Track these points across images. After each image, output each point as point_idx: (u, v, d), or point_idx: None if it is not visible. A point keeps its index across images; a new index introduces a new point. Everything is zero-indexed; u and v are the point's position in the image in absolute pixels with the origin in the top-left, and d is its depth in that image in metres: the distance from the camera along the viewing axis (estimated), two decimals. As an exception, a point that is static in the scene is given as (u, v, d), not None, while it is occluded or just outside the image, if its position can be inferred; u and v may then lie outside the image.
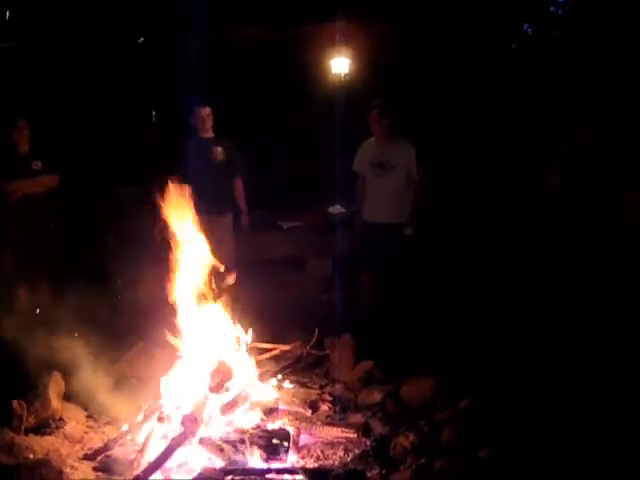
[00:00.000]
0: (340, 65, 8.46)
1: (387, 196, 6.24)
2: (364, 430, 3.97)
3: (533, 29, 10.24)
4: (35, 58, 7.13)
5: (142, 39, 7.02)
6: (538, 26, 10.00)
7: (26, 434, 3.85)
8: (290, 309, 6.21)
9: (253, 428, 3.66)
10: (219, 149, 6.50)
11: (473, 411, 3.95)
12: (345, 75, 8.47)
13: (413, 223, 6.15)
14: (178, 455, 3.47)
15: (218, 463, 3.45)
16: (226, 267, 4.34)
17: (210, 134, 6.54)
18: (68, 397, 4.37)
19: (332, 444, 3.86)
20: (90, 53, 7.12)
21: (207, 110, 6.46)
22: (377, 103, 6.30)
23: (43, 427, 4.02)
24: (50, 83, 7.04)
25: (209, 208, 5.74)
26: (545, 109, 7.51)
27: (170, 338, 4.11)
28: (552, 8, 10.34)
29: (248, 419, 3.78)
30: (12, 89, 6.83)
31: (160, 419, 3.67)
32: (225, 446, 3.51)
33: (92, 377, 4.53)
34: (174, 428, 3.63)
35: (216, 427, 3.66)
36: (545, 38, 9.68)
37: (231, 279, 4.36)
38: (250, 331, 4.38)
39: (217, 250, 5.43)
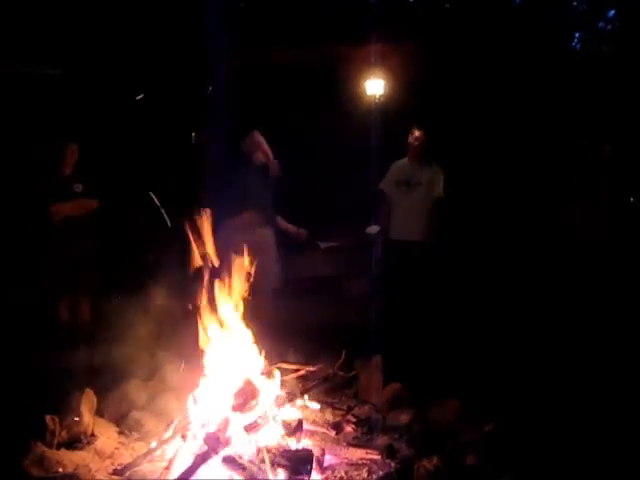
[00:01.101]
0: (375, 86, 8.52)
1: (411, 214, 6.32)
2: (389, 452, 3.97)
3: (581, 45, 10.16)
4: (81, 85, 7.34)
5: (183, 66, 7.15)
6: (586, 42, 9.92)
7: (58, 448, 3.95)
8: (325, 329, 6.25)
9: (276, 447, 3.69)
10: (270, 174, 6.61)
11: (497, 435, 3.93)
12: (380, 96, 8.52)
13: (425, 243, 6.20)
14: (201, 473, 3.52)
15: (240, 481, 3.50)
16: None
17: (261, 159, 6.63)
18: (101, 413, 4.49)
19: (356, 465, 3.87)
20: (133, 79, 7.31)
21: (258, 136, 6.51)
22: (419, 124, 6.42)
23: (75, 442, 4.11)
24: (95, 108, 7.24)
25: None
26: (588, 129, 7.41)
27: (200, 354, 4.19)
28: (600, 24, 10.25)
29: (272, 438, 3.80)
30: (60, 113, 7.04)
31: (183, 437, 3.73)
32: (248, 465, 3.55)
33: (125, 393, 4.67)
34: (199, 446, 3.70)
35: (239, 446, 3.70)
36: (593, 54, 9.59)
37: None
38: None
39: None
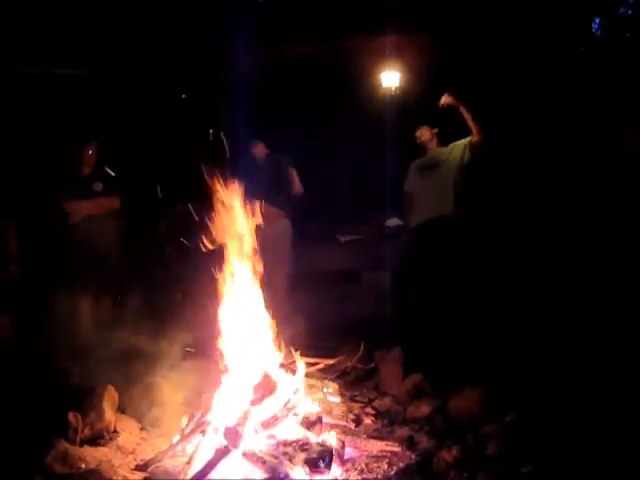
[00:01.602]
0: (391, 78, 8.48)
1: (431, 194, 6.30)
2: (409, 444, 3.97)
3: (602, 31, 10.04)
4: (100, 84, 7.39)
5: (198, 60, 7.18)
6: (606, 28, 9.80)
7: (81, 445, 3.99)
8: (345, 322, 6.25)
9: (296, 441, 3.70)
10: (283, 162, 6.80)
11: (519, 425, 3.90)
12: (396, 88, 8.48)
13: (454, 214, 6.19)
14: (221, 467, 3.54)
15: (260, 475, 3.50)
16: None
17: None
18: (122, 409, 4.53)
19: (377, 457, 3.86)
20: (150, 77, 7.34)
21: (261, 146, 6.80)
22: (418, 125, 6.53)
23: (97, 438, 4.16)
24: (113, 107, 7.28)
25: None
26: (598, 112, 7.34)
27: (220, 350, 4.21)
28: (621, 9, 10.11)
29: (291, 432, 3.81)
30: (80, 113, 7.09)
31: (203, 432, 3.76)
32: (267, 459, 3.56)
33: (146, 390, 4.70)
34: (220, 440, 3.72)
35: (259, 440, 3.71)
36: (614, 40, 9.47)
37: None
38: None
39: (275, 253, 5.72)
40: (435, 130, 6.48)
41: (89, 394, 4.34)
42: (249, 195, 5.99)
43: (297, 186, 6.96)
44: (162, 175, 6.91)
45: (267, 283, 4.30)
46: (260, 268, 4.26)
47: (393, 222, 8.24)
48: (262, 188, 6.46)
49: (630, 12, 10.09)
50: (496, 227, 6.68)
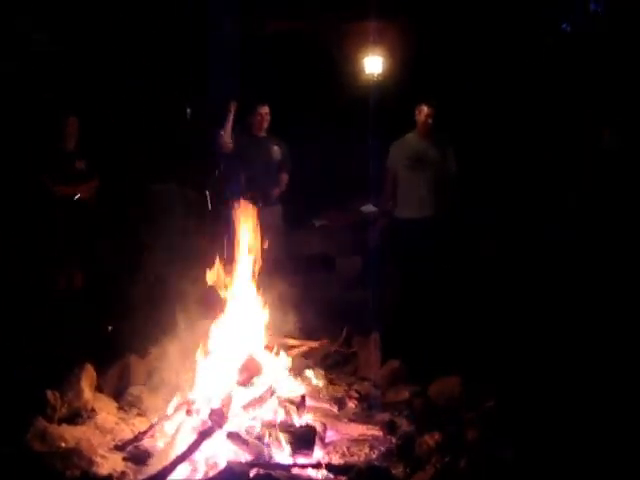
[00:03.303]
0: (373, 64, 8.47)
1: (427, 191, 6.34)
2: (390, 428, 3.99)
3: (572, 27, 10.12)
4: (81, 60, 7.26)
5: (176, 38, 7.08)
6: (576, 24, 9.88)
7: (59, 424, 3.93)
8: (320, 307, 6.24)
9: (280, 423, 3.69)
10: (276, 148, 6.67)
11: (499, 411, 3.94)
12: (378, 74, 8.47)
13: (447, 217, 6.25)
14: (205, 448, 3.53)
15: (244, 457, 3.50)
16: None
17: (264, 133, 6.66)
18: (100, 388, 4.47)
19: (358, 441, 3.88)
20: (127, 53, 7.23)
21: (266, 109, 6.57)
22: (426, 99, 6.48)
23: (75, 417, 4.09)
24: (93, 84, 7.15)
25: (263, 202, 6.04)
26: (576, 108, 7.42)
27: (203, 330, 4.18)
28: (592, 6, 10.20)
29: (275, 414, 3.81)
30: (61, 89, 6.95)
31: (188, 412, 3.73)
32: (251, 440, 3.56)
33: (124, 368, 4.65)
34: (202, 421, 3.70)
35: (243, 421, 3.70)
36: (583, 36, 9.56)
37: None
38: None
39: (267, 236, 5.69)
40: (432, 117, 6.46)
41: (67, 372, 4.28)
42: (244, 177, 6.05)
43: (283, 184, 6.85)
44: (143, 153, 6.79)
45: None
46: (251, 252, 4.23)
47: (368, 208, 8.28)
48: (259, 169, 6.48)
49: (599, 10, 10.20)
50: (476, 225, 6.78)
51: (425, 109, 6.50)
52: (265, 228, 4.62)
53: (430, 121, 6.49)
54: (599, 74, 7.67)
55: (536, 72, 7.96)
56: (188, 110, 7.51)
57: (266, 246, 4.35)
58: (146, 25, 7.19)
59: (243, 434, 3.59)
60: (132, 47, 7.26)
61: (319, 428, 3.78)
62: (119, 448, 3.79)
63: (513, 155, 7.39)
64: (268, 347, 4.15)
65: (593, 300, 5.43)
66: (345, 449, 3.80)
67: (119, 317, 5.34)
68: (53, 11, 6.75)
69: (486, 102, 7.75)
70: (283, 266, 6.59)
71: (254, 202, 4.40)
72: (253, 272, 4.24)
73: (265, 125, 6.61)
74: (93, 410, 4.22)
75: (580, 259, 5.94)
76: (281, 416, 3.80)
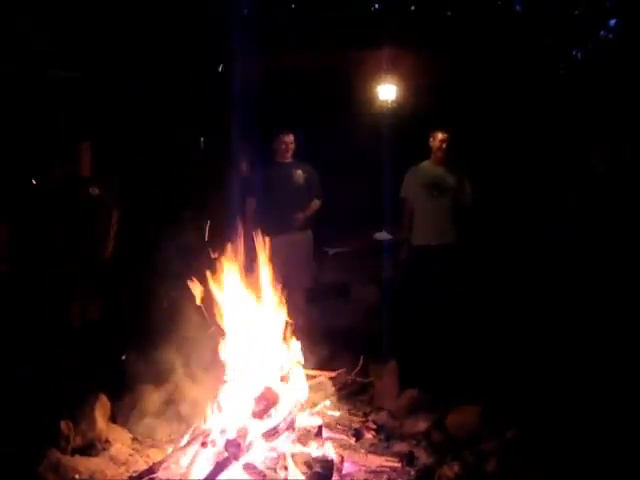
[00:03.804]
0: (387, 91, 8.48)
1: (443, 218, 6.35)
2: (408, 459, 3.92)
3: (582, 53, 10.13)
4: (95, 88, 7.30)
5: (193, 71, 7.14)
6: (587, 51, 9.89)
7: (72, 454, 3.89)
8: (336, 335, 6.19)
9: (296, 454, 3.63)
10: (299, 172, 6.80)
11: (519, 442, 3.87)
12: (392, 101, 8.49)
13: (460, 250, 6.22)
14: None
15: (260, 489, 3.44)
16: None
17: (289, 159, 6.79)
18: (113, 419, 4.42)
19: (376, 473, 3.82)
20: (145, 82, 7.27)
21: (291, 137, 6.75)
22: (440, 125, 6.55)
23: (89, 448, 4.05)
24: (107, 111, 7.19)
25: (288, 227, 6.47)
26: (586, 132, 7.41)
27: (219, 359, 4.13)
28: (602, 33, 10.21)
29: (291, 445, 3.75)
30: (75, 116, 6.99)
31: (204, 444, 3.67)
32: (267, 472, 3.49)
33: (138, 399, 4.60)
34: (218, 453, 3.64)
35: (259, 452, 3.64)
36: (594, 62, 9.57)
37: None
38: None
39: (295, 266, 5.92)
40: (448, 144, 6.48)
41: (81, 402, 4.24)
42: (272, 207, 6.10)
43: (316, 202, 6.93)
44: (157, 182, 6.81)
45: (286, 296, 4.24)
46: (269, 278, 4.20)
47: (382, 235, 8.25)
48: (288, 197, 6.60)
49: (611, 36, 10.20)
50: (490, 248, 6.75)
51: (439, 135, 6.53)
52: (294, 255, 4.66)
53: (444, 147, 6.52)
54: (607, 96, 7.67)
55: (547, 97, 7.96)
56: (202, 140, 7.54)
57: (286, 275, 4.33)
58: (167, 56, 7.24)
59: (259, 465, 3.53)
60: (153, 77, 7.32)
61: (336, 459, 3.71)
62: (133, 480, 3.74)
63: (521, 169, 7.38)
64: (284, 377, 4.09)
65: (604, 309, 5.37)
66: (363, 481, 3.73)
67: (133, 346, 5.28)
68: (53, 11, 6.76)
69: (496, 121, 7.74)
70: (310, 295, 6.64)
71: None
72: (271, 301, 4.20)
73: (289, 153, 6.77)
74: (107, 441, 4.18)
75: (580, 259, 5.90)
76: (298, 447, 3.74)
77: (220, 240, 4.28)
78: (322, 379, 4.75)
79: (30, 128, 6.47)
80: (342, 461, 3.79)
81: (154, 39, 7.06)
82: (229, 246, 4.19)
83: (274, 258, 4.29)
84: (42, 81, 6.87)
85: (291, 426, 3.81)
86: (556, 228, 6.43)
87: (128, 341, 5.41)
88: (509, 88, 8.22)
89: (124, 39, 6.93)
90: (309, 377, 4.66)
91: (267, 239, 4.21)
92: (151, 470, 3.76)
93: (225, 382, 4.02)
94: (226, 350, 4.05)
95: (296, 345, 4.30)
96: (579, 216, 6.33)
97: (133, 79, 7.03)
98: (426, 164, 6.67)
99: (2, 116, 6.38)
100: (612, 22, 10.18)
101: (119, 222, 6.42)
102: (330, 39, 7.63)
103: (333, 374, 4.88)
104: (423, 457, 3.99)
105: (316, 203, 6.87)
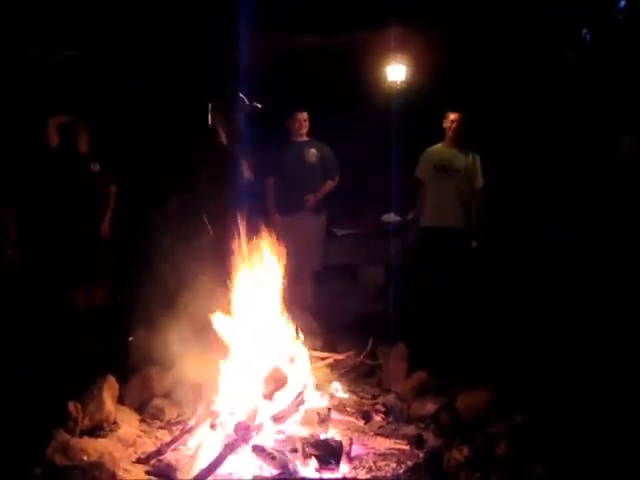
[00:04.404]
0: (396, 72, 8.41)
1: (449, 200, 6.30)
2: (417, 442, 3.91)
3: (592, 36, 10.00)
4: (94, 66, 7.26)
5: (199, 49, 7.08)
6: (597, 33, 9.76)
7: (80, 436, 3.88)
8: (343, 317, 6.18)
9: (305, 437, 3.62)
10: (312, 151, 6.81)
11: (530, 425, 3.85)
12: (401, 82, 8.41)
13: (481, 235, 6.18)
14: (230, 462, 3.46)
15: (269, 471, 3.43)
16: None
17: (304, 137, 6.83)
18: (121, 400, 4.42)
19: (384, 455, 3.79)
20: (148, 59, 7.22)
21: (304, 115, 6.80)
22: (453, 106, 6.50)
23: (97, 430, 4.03)
24: (109, 88, 7.15)
25: (300, 207, 6.51)
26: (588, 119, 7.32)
27: (225, 342, 4.12)
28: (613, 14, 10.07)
29: (301, 428, 3.74)
30: (74, 94, 6.96)
31: (212, 426, 3.66)
32: (277, 454, 3.48)
33: (146, 381, 4.60)
34: (227, 435, 3.63)
35: (268, 435, 3.64)
36: (604, 45, 9.44)
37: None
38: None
39: (306, 247, 6.01)
40: (463, 126, 6.42)
41: (89, 384, 4.23)
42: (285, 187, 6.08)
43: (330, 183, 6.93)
44: (158, 161, 6.77)
45: (295, 276, 4.22)
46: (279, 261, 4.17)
47: (390, 217, 8.22)
48: (300, 177, 6.64)
49: (621, 17, 10.06)
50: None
51: (450, 116, 6.47)
52: (304, 238, 4.59)
53: (455, 128, 6.44)
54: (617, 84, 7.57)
55: (557, 82, 7.86)
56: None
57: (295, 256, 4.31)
58: (171, 35, 7.18)
59: (268, 448, 3.52)
60: (156, 54, 7.27)
61: (345, 442, 3.69)
62: (142, 461, 3.72)
63: (530, 159, 7.29)
64: (292, 359, 4.07)
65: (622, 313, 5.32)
66: (372, 464, 3.71)
67: (141, 328, 5.28)
68: (53, 11, 6.72)
69: (506, 107, 7.66)
70: (318, 277, 6.63)
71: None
72: (279, 283, 4.18)
73: (303, 131, 6.81)
74: (115, 422, 4.16)
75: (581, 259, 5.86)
76: (307, 429, 3.73)
77: (220, 222, 4.25)
78: (330, 361, 4.75)
79: (30, 126, 6.44)
80: (351, 444, 3.77)
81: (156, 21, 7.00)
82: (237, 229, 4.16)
83: (284, 239, 4.26)
84: (42, 81, 6.85)
85: (300, 408, 3.80)
86: (556, 227, 6.36)
87: (135, 323, 5.41)
88: (516, 76, 8.11)
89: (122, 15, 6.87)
90: (317, 359, 4.67)
91: (279, 219, 4.20)
92: (159, 451, 3.77)
93: (233, 364, 4.00)
94: (234, 332, 4.03)
95: (304, 327, 4.28)
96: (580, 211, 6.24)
97: (134, 76, 6.99)
98: (439, 146, 6.61)
99: (2, 116, 6.36)
100: (622, 3, 10.06)
101: (117, 198, 6.41)
102: (337, 17, 7.53)
103: (342, 356, 4.88)
104: (431, 440, 3.98)
105: (329, 184, 6.84)
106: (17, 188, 6.06)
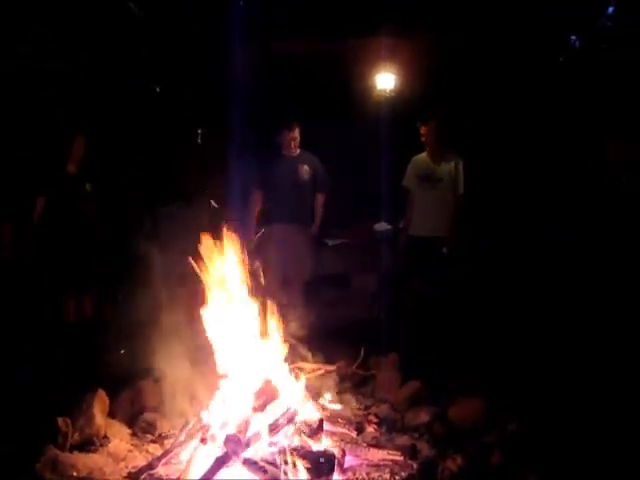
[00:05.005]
0: (385, 81, 8.41)
1: (431, 210, 6.29)
2: (411, 452, 3.88)
3: (581, 42, 10.04)
4: (86, 80, 7.24)
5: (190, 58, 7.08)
6: (586, 39, 9.79)
7: (70, 451, 3.84)
8: (336, 326, 6.15)
9: (297, 449, 3.58)
10: (305, 168, 6.76)
11: (523, 434, 3.83)
12: (390, 91, 8.41)
13: (450, 241, 6.16)
14: (221, 475, 3.42)
15: (261, 484, 3.40)
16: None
17: (296, 152, 6.76)
18: (112, 414, 4.37)
19: (378, 466, 3.77)
20: (140, 72, 7.21)
21: (296, 132, 6.73)
22: (434, 115, 6.39)
23: (87, 444, 3.99)
24: (109, 88, 7.11)
25: (290, 220, 6.49)
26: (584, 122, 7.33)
27: (214, 355, 4.08)
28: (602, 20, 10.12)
29: (292, 440, 3.70)
30: (67, 109, 6.94)
31: (203, 440, 3.62)
32: (268, 467, 3.44)
33: (136, 394, 4.55)
34: (218, 448, 3.59)
35: (260, 447, 3.59)
36: (593, 51, 9.48)
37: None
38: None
39: (295, 258, 5.98)
40: (440, 133, 6.38)
41: (78, 398, 4.18)
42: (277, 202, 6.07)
43: (320, 206, 6.94)
44: (149, 174, 6.75)
45: (284, 287, 4.20)
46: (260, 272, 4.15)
47: (381, 226, 8.20)
48: (293, 193, 6.63)
49: (609, 24, 10.10)
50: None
51: (421, 129, 6.43)
52: (294, 248, 4.56)
53: (430, 138, 6.39)
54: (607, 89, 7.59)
55: (548, 87, 7.88)
56: (199, 131, 7.47)
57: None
58: (163, 46, 7.17)
59: (260, 460, 3.48)
60: (147, 67, 7.25)
61: (338, 453, 3.67)
62: (133, 476, 3.67)
63: (522, 163, 7.29)
64: (284, 371, 4.04)
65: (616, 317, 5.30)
66: (365, 475, 3.69)
67: (131, 340, 5.24)
68: (53, 11, 6.70)
69: (498, 119, 7.66)
70: (307, 289, 6.61)
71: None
72: (268, 294, 4.15)
73: (295, 146, 6.76)
74: (105, 437, 4.12)
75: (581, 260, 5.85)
76: (298, 441, 3.69)
77: (218, 229, 4.21)
78: (322, 372, 4.71)
79: (30, 129, 6.40)
80: (344, 455, 3.75)
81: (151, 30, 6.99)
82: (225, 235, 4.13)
83: (273, 248, 4.25)
84: (42, 81, 6.81)
85: (292, 420, 3.76)
86: (556, 227, 6.35)
87: (125, 336, 5.37)
88: (508, 80, 8.13)
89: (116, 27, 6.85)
90: (309, 370, 4.64)
91: (269, 229, 4.18)
92: (150, 466, 3.73)
93: (224, 377, 3.97)
94: (224, 345, 3.99)
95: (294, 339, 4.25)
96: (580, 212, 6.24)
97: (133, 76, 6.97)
98: (423, 155, 6.57)
99: (2, 116, 6.32)
100: (610, 9, 10.09)
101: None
102: (328, 26, 7.54)
103: (332, 368, 4.85)
104: (425, 450, 3.96)
105: (320, 199, 6.84)
106: (17, 205, 6.02)
